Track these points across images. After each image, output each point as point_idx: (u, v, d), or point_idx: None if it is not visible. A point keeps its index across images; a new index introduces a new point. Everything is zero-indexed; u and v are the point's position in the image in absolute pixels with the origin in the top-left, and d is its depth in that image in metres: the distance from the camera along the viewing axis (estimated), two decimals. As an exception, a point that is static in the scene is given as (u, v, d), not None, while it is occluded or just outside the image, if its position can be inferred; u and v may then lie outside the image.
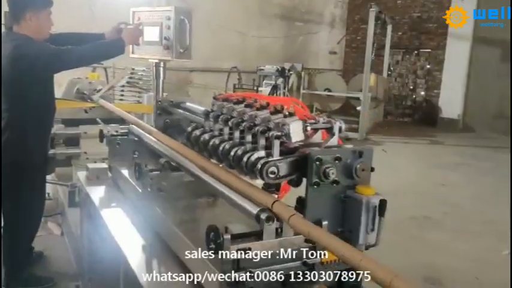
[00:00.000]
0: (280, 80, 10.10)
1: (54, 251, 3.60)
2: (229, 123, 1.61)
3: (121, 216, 2.08)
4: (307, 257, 1.39)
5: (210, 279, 1.36)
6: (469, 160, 8.64)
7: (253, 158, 1.40)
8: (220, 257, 1.26)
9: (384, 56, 13.58)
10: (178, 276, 1.51)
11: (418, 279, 3.47)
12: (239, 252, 1.26)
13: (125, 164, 2.44)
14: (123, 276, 1.82)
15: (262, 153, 1.41)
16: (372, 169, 1.43)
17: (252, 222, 1.39)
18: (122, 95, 4.75)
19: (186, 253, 1.49)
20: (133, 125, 2.61)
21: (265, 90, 9.14)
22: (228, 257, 1.25)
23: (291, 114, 1.43)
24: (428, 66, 13.95)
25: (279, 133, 1.39)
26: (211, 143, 1.64)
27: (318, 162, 1.34)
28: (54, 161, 3.88)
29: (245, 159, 1.43)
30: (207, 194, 1.96)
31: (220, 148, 1.57)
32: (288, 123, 1.39)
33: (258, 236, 1.32)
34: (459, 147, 10.19)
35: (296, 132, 1.39)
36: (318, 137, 1.51)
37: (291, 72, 10.72)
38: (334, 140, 1.46)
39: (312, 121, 1.47)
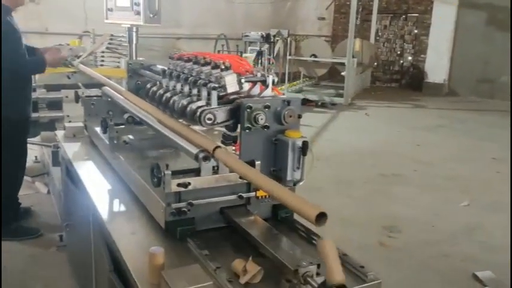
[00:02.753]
0: (265, 46, 10.19)
1: (41, 207, 3.86)
2: (180, 78, 1.81)
3: (92, 167, 2.30)
4: (243, 192, 1.63)
5: (158, 211, 1.59)
6: (449, 122, 8.90)
7: (194, 107, 1.61)
8: (163, 190, 1.49)
9: (372, 21, 13.64)
10: (135, 212, 1.75)
11: (378, 228, 3.75)
12: (179, 186, 1.48)
13: (99, 122, 2.64)
14: (92, 220, 2.05)
15: (202, 102, 1.62)
16: (299, 116, 1.64)
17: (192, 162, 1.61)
18: (103, 61, 4.90)
19: (141, 190, 1.72)
20: (106, 87, 2.80)
21: (250, 56, 9.24)
22: (169, 190, 1.48)
23: (227, 68, 1.62)
24: (415, 31, 14.03)
25: (216, 85, 1.60)
26: (164, 97, 1.84)
27: (248, 110, 1.55)
28: (38, 124, 4.09)
29: (188, 108, 1.63)
30: (167, 145, 2.18)
31: (171, 101, 1.78)
32: (224, 76, 1.59)
33: (196, 172, 1.55)
34: (442, 111, 10.43)
35: (231, 83, 1.60)
36: (256, 90, 1.72)
37: (277, 39, 10.78)
38: (268, 92, 1.67)
39: (249, 75, 1.67)
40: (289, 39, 11.37)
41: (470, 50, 12.75)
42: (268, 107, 1.58)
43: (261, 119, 1.56)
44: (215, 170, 1.58)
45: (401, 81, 14.44)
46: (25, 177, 3.61)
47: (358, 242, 3.38)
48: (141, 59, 2.90)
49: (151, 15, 2.72)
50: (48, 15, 9.11)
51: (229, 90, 1.60)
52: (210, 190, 1.57)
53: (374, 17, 13.53)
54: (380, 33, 14.45)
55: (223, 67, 1.63)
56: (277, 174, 1.64)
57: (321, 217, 1.01)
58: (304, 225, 1.69)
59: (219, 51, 10.64)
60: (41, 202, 3.98)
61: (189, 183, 1.51)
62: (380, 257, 3.26)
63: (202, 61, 1.76)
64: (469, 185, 5.06)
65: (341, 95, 10.65)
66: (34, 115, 3.87)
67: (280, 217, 1.72)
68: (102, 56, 4.92)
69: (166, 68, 1.99)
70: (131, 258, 1.46)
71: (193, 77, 1.73)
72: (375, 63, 13.73)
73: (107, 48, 4.87)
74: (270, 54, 10.46)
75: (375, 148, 6.56)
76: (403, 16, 14.15)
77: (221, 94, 1.65)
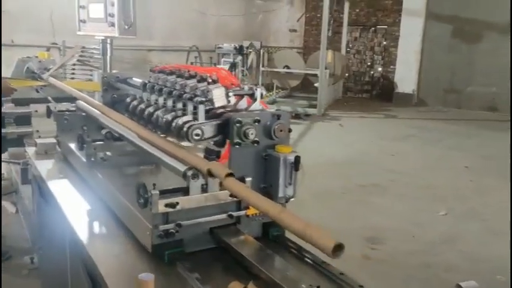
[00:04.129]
0: (238, 58, 10.19)
1: (10, 228, 3.66)
2: (163, 92, 1.73)
3: (67, 186, 2.18)
4: (233, 211, 1.56)
5: (144, 234, 1.49)
6: (419, 132, 9.08)
7: (180, 122, 1.53)
8: (149, 211, 1.40)
9: (342, 33, 13.87)
10: (117, 234, 1.64)
11: (360, 240, 3.73)
12: (167, 206, 1.40)
13: (73, 138, 2.52)
14: (69, 242, 1.93)
15: (189, 117, 1.55)
16: (290, 130, 1.58)
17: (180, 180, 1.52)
18: (73, 74, 4.75)
19: (123, 210, 1.62)
20: (80, 101, 2.68)
21: (223, 67, 9.18)
22: (156, 210, 1.39)
23: (214, 82, 1.56)
24: (384, 43, 14.33)
25: (203, 98, 1.53)
26: (146, 112, 1.75)
27: (238, 124, 1.48)
28: (5, 140, 3.89)
29: (174, 123, 1.56)
30: (148, 161, 2.08)
31: (154, 116, 1.69)
32: (211, 90, 1.53)
33: (185, 191, 1.46)
34: (412, 120, 10.64)
35: (219, 97, 1.53)
36: (243, 103, 1.66)
37: (249, 50, 10.81)
38: (256, 105, 1.61)
39: (236, 88, 1.61)
40: (261, 50, 11.42)
41: (438, 61, 13.12)
42: (258, 121, 1.52)
43: (251, 134, 1.49)
44: (204, 188, 1.50)
45: (372, 91, 14.69)
46: (-9, 197, 3.43)
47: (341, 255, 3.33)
48: (114, 71, 2.81)
49: (126, 27, 2.65)
50: (14, 27, 8.82)
51: (217, 104, 1.54)
52: (199, 210, 1.49)
53: (345, 29, 13.78)
54: (351, 45, 14.69)
55: (210, 80, 1.56)
56: (268, 190, 1.57)
57: (338, 249, 0.95)
58: (296, 243, 1.63)
59: (192, 63, 10.56)
60: (9, 223, 3.77)
61: (177, 203, 1.43)
62: (365, 269, 3.23)
63: (186, 74, 1.69)
64: (444, 194, 5.13)
65: (314, 106, 10.72)
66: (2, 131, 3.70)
67: (272, 235, 1.65)
68: (73, 69, 4.76)
69: (146, 81, 1.90)
70: (114, 284, 1.36)
71: (178, 91, 1.65)
72: (346, 74, 13.93)
73: (78, 60, 4.72)
74: (243, 66, 10.46)
75: (351, 158, 6.60)
76: (373, 28, 14.45)
77: (207, 108, 1.58)
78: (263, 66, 11.32)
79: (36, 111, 3.93)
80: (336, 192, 5.00)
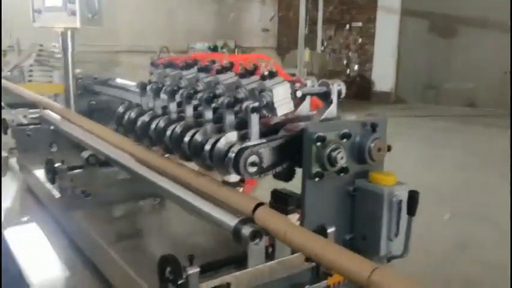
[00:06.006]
0: (214, 59, 9.60)
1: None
2: (177, 96, 1.13)
3: (31, 235, 1.53)
4: (308, 283, 0.97)
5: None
6: (403, 130, 8.73)
7: (221, 145, 0.93)
8: (185, 303, 0.79)
9: (317, 31, 13.44)
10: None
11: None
12: (214, 291, 0.80)
13: (38, 159, 1.87)
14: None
15: (233, 135, 0.95)
16: (389, 148, 1.02)
17: (221, 235, 0.94)
18: (31, 76, 4.04)
19: (125, 284, 1.01)
20: (47, 110, 2.03)
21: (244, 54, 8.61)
22: (197, 302, 0.79)
23: (271, 75, 0.97)
24: (360, 41, 13.99)
25: (257, 104, 0.93)
26: (153, 126, 1.15)
27: (319, 143, 0.90)
28: None
29: (208, 146, 0.95)
30: (149, 194, 1.46)
31: (168, 132, 1.09)
32: (271, 88, 0.93)
33: (239, 261, 0.87)
34: (393, 118, 10.17)
35: (283, 100, 0.94)
36: (305, 108, 1.08)
37: (224, 50, 10.22)
38: (332, 111, 1.03)
39: (300, 84, 1.03)
40: (236, 50, 10.85)
41: (415, 58, 12.88)
42: (347, 136, 0.94)
43: (341, 158, 0.92)
44: (269, 254, 0.90)
45: (349, 90, 14.34)
46: None
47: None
48: (78, 70, 2.21)
49: (89, 16, 2.08)
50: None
51: (281, 111, 0.94)
52: (262, 286, 0.90)
53: (319, 26, 13.34)
54: (325, 44, 14.30)
55: (266, 73, 0.96)
56: (357, 244, 1.00)
57: None
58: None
59: (164, 65, 9.89)
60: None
61: (229, 285, 0.83)
62: None
63: (217, 66, 1.09)
64: (443, 194, 4.73)
65: (294, 107, 10.22)
66: None
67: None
68: (30, 71, 4.05)
69: (146, 82, 1.29)
70: None
71: (205, 93, 1.05)
72: (324, 74, 13.53)
73: (36, 60, 4.02)
74: (218, 67, 9.88)
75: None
76: (348, 26, 14.10)
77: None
78: (239, 67, 10.75)
79: None
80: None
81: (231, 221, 0.87)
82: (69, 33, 2.18)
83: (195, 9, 12.05)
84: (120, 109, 1.28)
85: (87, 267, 1.25)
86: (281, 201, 0.99)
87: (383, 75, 13.38)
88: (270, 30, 14.93)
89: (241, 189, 1.18)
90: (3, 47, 7.81)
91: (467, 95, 12.34)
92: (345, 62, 14.30)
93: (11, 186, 1.87)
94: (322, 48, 14.06)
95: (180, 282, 0.77)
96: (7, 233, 1.48)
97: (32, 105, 2.97)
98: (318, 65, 12.20)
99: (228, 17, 13.37)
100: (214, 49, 9.85)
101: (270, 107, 0.93)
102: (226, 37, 11.49)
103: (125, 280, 1.05)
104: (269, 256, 0.90)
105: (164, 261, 0.80)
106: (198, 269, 0.79)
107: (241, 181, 1.15)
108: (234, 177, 0.95)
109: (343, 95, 1.04)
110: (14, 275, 1.28)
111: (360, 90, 13.92)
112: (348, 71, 14.30)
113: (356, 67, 14.16)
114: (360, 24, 13.89)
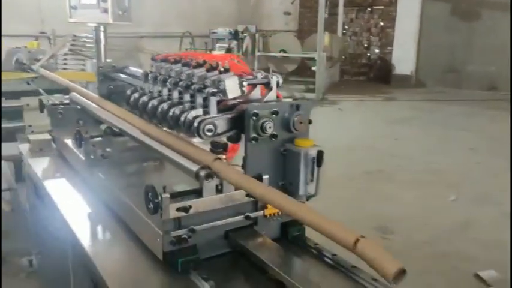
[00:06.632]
0: (234, 43, 9.97)
1: (5, 227, 3.50)
2: (167, 83, 1.58)
3: (65, 186, 2.03)
4: (249, 211, 1.42)
5: (153, 240, 1.35)
6: (420, 114, 8.94)
7: (190, 117, 1.38)
8: (159, 216, 1.26)
9: (338, 14, 13.61)
10: (124, 241, 1.51)
11: (370, 230, 3.62)
12: (179, 211, 1.26)
13: (68, 133, 2.36)
14: (71, 248, 1.79)
15: (199, 111, 1.40)
16: (310, 121, 1.44)
17: (194, 182, 1.39)
18: (65, 64, 4.55)
19: (129, 214, 1.48)
20: (74, 93, 2.52)
21: (218, 53, 8.98)
22: (167, 216, 1.25)
23: (226, 70, 1.41)
24: (381, 24, 14.11)
25: (215, 90, 1.37)
26: (150, 104, 1.60)
27: (254, 117, 1.33)
28: (-4, 136, 3.74)
29: (182, 118, 1.40)
30: (152, 157, 1.93)
31: (159, 109, 1.54)
32: (223, 80, 1.37)
33: (198, 193, 1.32)
34: (412, 102, 10.49)
35: (232, 88, 1.38)
36: (256, 93, 1.51)
37: (244, 35, 10.59)
38: (272, 95, 1.46)
39: (249, 77, 1.46)
40: (257, 35, 11.19)
41: (436, 41, 12.94)
42: (276, 113, 1.37)
43: (269, 128, 1.35)
44: (219, 189, 1.36)
45: (369, 74, 14.52)
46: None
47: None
48: (108, 60, 2.65)
49: (120, 13, 2.49)
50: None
51: (231, 95, 1.38)
52: (214, 212, 1.35)
53: (340, 10, 13.52)
54: (346, 27, 14.46)
55: (222, 69, 1.40)
56: (287, 188, 1.43)
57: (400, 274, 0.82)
58: (318, 244, 1.50)
59: (186, 50, 10.34)
60: (4, 222, 3.61)
61: (190, 207, 1.29)
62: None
63: (194, 62, 1.53)
64: (452, 177, 5.02)
65: (312, 90, 10.55)
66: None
67: (291, 236, 1.52)
68: (65, 59, 4.56)
69: (148, 71, 1.74)
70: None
71: (185, 81, 1.50)
72: (343, 57, 13.73)
73: (70, 50, 4.53)
74: (238, 51, 10.25)
75: (354, 144, 6.46)
76: (369, 9, 14.20)
77: (218, 100, 1.43)
78: (259, 50, 11.10)
79: (28, 104, 3.78)
80: (341, 180, 4.86)
81: (194, 167, 1.33)
82: (101, 28, 2.60)
83: (217, -7, 12.41)
84: (128, 92, 1.74)
85: (105, 208, 1.74)
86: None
87: (403, 58, 13.50)
88: (291, 14, 15.17)
89: (224, 157, 1.63)
90: (34, 33, 8.46)
91: (489, 78, 12.35)
92: (365, 45, 14.44)
93: (55, 163, 2.35)
94: (344, 31, 14.23)
95: (156, 201, 1.24)
96: (47, 185, 1.99)
97: (66, 91, 3.46)
98: (337, 48, 12.43)
99: (249, 0, 13.67)
100: (235, 34, 10.22)
101: (223, 92, 1.37)
102: (247, 21, 11.83)
103: (128, 211, 1.53)
104: (219, 191, 1.35)
105: (147, 189, 1.27)
106: (168, 195, 1.25)
107: (225, 150, 1.60)
108: (196, 139, 1.40)
109: (280, 85, 1.46)
110: (53, 209, 1.78)
111: (380, 73, 14.08)
112: (368, 54, 14.46)
113: (377, 50, 14.31)
114: (381, 7, 13.98)
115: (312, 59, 11.09)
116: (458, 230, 3.73)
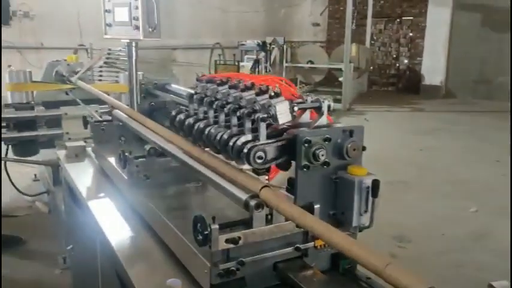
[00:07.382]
0: (262, 54, 9.98)
1: (43, 227, 3.63)
2: (214, 105, 1.55)
3: (97, 190, 2.08)
4: (300, 242, 1.37)
5: (201, 271, 1.32)
6: (448, 125, 8.74)
7: (239, 143, 1.34)
8: (208, 248, 1.22)
9: (367, 25, 13.49)
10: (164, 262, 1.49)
11: (387, 238, 3.56)
12: (227, 242, 1.22)
13: (110, 149, 2.40)
14: (100, 246, 1.83)
15: (248, 137, 1.36)
16: (364, 148, 1.38)
17: (240, 208, 1.35)
18: (101, 76, 4.63)
19: (175, 243, 1.45)
20: (117, 110, 2.53)
21: (246, 65, 9.01)
22: (216, 248, 1.21)
23: (277, 95, 1.36)
24: (410, 34, 13.92)
25: (265, 115, 1.33)
26: (196, 127, 1.57)
27: (306, 144, 1.29)
28: (37, 142, 3.87)
29: (231, 143, 1.37)
30: (195, 180, 1.91)
31: (206, 132, 1.51)
32: (274, 105, 1.33)
33: (247, 224, 1.28)
34: (440, 113, 10.27)
35: (283, 113, 1.34)
36: (306, 117, 1.46)
37: (272, 46, 10.59)
38: (323, 120, 1.41)
39: (299, 100, 1.41)
40: (285, 46, 11.18)
41: (466, 51, 12.66)
42: (328, 139, 1.32)
43: (322, 155, 1.30)
44: (269, 220, 1.31)
45: (398, 84, 14.31)
46: (25, 197, 3.35)
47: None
48: (140, 73, 2.68)
49: (150, 29, 2.53)
50: (43, 30, 8.81)
51: (281, 121, 1.34)
52: (263, 243, 1.31)
53: (369, 21, 13.39)
54: (375, 37, 14.32)
55: (272, 93, 1.36)
56: (338, 217, 1.38)
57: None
58: (370, 278, 1.43)
59: (215, 61, 10.39)
60: (42, 222, 3.74)
61: (240, 238, 1.24)
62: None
63: (242, 85, 1.49)
64: (475, 189, 4.92)
65: (339, 101, 10.45)
66: (33, 133, 3.79)
67: (342, 268, 1.46)
68: (100, 71, 4.65)
69: (193, 92, 1.72)
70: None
71: (233, 104, 1.46)
72: (371, 68, 13.58)
73: (105, 62, 4.60)
74: (266, 62, 10.25)
75: (378, 154, 6.31)
76: (398, 20, 14.04)
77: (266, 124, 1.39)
78: (286, 61, 11.07)
79: (66, 113, 3.90)
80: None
81: (243, 196, 1.29)
82: (133, 43, 2.63)
83: (246, 5, 12.47)
84: (173, 113, 1.72)
85: (147, 230, 1.72)
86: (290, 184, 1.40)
87: (433, 68, 13.26)
88: (320, 25, 15.12)
89: (266, 177, 1.59)
90: (75, 45, 8.71)
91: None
92: (394, 55, 14.25)
93: (89, 170, 2.39)
94: (372, 42, 14.09)
95: (205, 233, 1.20)
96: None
97: (100, 101, 3.54)
98: (364, 59, 12.30)
99: (279, 12, 13.69)
100: (263, 45, 10.23)
101: (274, 117, 1.33)
102: (276, 32, 11.82)
103: (173, 237, 1.49)
104: (269, 221, 1.31)
105: (196, 220, 1.23)
106: (217, 226, 1.21)
107: (267, 171, 1.56)
108: (246, 166, 1.36)
109: (331, 109, 1.41)
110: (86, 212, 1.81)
111: (409, 84, 13.86)
112: (397, 65, 14.26)
113: (406, 61, 14.10)
114: (410, 18, 13.80)
115: (339, 69, 11.00)
116: (475, 241, 3.65)
